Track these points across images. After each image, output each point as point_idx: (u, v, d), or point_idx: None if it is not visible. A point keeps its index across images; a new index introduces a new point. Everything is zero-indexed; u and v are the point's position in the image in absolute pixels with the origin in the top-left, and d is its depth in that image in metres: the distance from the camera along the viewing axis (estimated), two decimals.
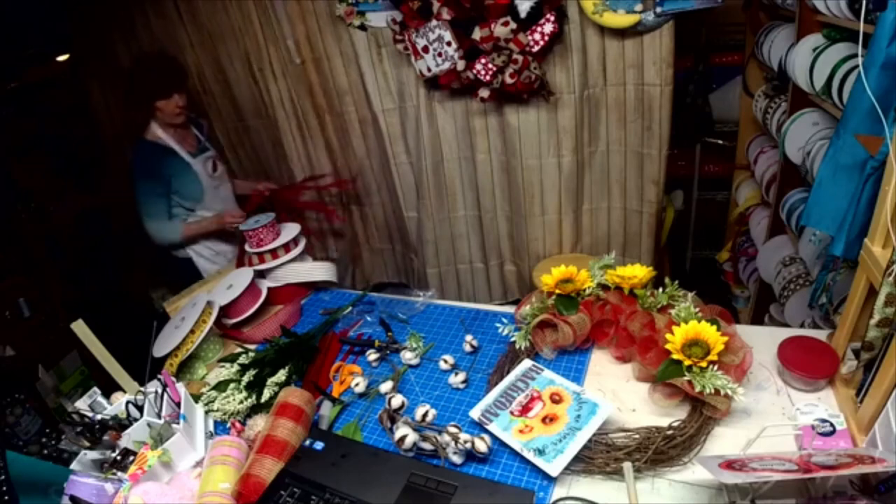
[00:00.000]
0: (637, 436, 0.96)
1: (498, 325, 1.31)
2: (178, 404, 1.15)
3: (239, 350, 1.40)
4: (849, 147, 1.07)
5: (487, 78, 1.84)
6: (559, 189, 2.09)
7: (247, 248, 1.67)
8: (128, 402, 1.16)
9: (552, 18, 1.72)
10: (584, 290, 1.27)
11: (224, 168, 2.07)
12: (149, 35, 2.20)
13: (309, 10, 1.98)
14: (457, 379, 1.19)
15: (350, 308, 1.58)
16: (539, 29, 1.74)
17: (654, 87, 1.82)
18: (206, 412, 1.23)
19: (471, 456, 1.00)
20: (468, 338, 1.31)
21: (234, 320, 1.56)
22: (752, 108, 2.24)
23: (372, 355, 1.33)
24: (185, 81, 1.87)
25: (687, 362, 0.99)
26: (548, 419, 1.01)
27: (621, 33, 1.76)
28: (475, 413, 1.06)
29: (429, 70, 1.89)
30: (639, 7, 1.67)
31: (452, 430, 0.99)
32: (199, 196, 1.93)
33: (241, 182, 2.21)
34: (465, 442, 0.97)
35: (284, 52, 2.08)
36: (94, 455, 1.05)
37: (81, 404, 1.19)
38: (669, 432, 0.95)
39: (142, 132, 1.84)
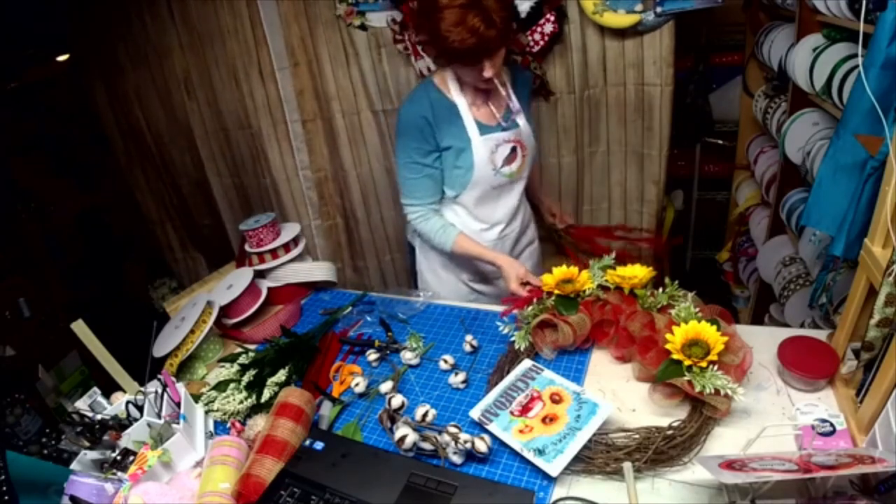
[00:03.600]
0: (637, 436, 0.96)
1: (498, 324, 1.31)
2: (178, 404, 1.15)
3: (239, 350, 1.40)
4: (849, 147, 1.07)
5: None
6: (559, 189, 2.09)
7: (247, 247, 1.67)
8: (128, 402, 1.16)
9: (552, 18, 1.72)
10: (585, 291, 1.27)
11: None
12: (144, 36, 2.19)
13: (301, 10, 1.97)
14: (457, 379, 1.19)
15: (350, 308, 1.58)
16: (539, 29, 1.74)
17: (655, 87, 1.82)
18: (206, 412, 1.23)
19: (471, 456, 1.00)
20: (468, 338, 1.31)
21: (234, 320, 1.56)
22: (752, 108, 2.24)
23: (372, 355, 1.33)
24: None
25: (687, 362, 0.99)
26: (548, 419, 1.01)
27: (621, 33, 1.76)
28: (475, 413, 1.06)
29: (429, 70, 1.88)
30: (639, 7, 1.67)
31: (452, 430, 0.99)
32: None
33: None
34: (465, 442, 0.97)
35: (277, 53, 2.05)
36: (94, 455, 1.05)
37: (81, 404, 1.19)
38: (669, 432, 0.95)
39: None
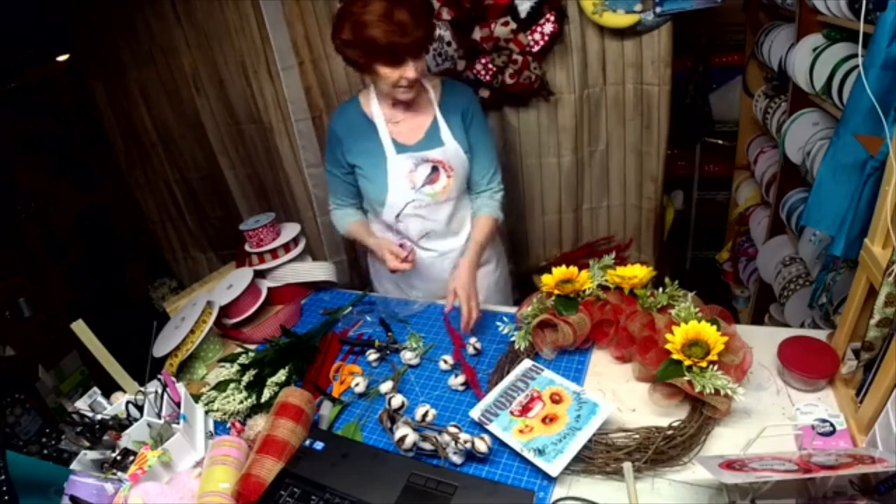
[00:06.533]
0: (637, 436, 0.96)
1: (499, 323, 1.31)
2: (178, 404, 1.15)
3: (239, 350, 1.40)
4: (849, 147, 1.07)
5: (487, 78, 1.84)
6: (559, 188, 2.10)
7: (247, 247, 1.67)
8: (128, 402, 1.16)
9: (552, 18, 1.73)
10: (584, 291, 1.27)
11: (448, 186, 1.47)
12: (149, 35, 2.20)
13: (305, 9, 1.98)
14: (456, 381, 1.19)
15: (350, 308, 1.58)
16: (539, 29, 1.74)
17: (653, 86, 1.82)
18: (206, 412, 1.23)
19: (471, 456, 1.00)
20: (472, 340, 1.30)
21: (234, 320, 1.56)
22: (752, 108, 2.24)
23: (372, 355, 1.33)
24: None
25: (687, 362, 0.99)
26: (548, 419, 1.01)
27: (620, 33, 1.77)
28: (475, 413, 1.06)
29: (429, 70, 1.89)
30: (638, 7, 1.68)
31: (452, 430, 0.99)
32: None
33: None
34: (465, 442, 0.97)
35: (281, 52, 2.06)
36: (94, 455, 1.05)
37: (81, 404, 1.19)
38: (669, 432, 0.95)
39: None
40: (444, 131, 1.42)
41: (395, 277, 1.59)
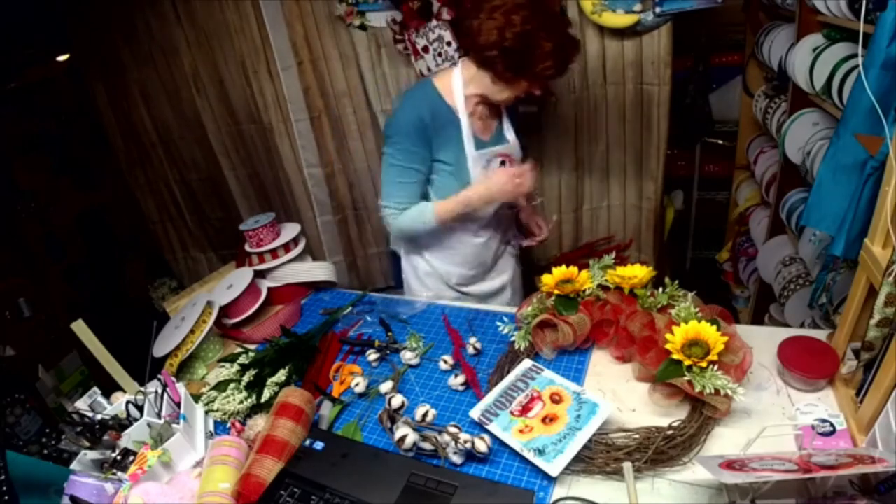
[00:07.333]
0: (637, 436, 0.96)
1: (499, 323, 1.31)
2: (178, 404, 1.15)
3: (239, 350, 1.40)
4: (849, 147, 1.07)
5: None
6: (559, 189, 2.09)
7: (247, 247, 1.67)
8: (128, 402, 1.16)
9: None
10: (584, 291, 1.27)
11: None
12: (149, 35, 2.20)
13: (304, 10, 1.98)
14: (456, 381, 1.19)
15: (350, 308, 1.58)
16: None
17: (653, 86, 1.82)
18: (206, 412, 1.23)
19: (471, 456, 1.00)
20: (472, 340, 1.30)
21: (234, 320, 1.56)
22: (752, 108, 2.24)
23: (372, 355, 1.33)
24: None
25: (687, 362, 0.99)
26: (548, 419, 1.01)
27: (620, 33, 1.77)
28: (475, 413, 1.06)
29: (429, 70, 1.89)
30: (638, 7, 1.68)
31: (452, 430, 0.99)
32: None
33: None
34: (465, 442, 0.97)
35: (281, 52, 2.06)
36: (94, 455, 1.05)
37: (81, 404, 1.19)
38: (669, 432, 0.95)
39: None
40: (508, 128, 1.47)
41: (443, 263, 1.57)
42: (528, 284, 2.17)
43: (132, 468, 0.99)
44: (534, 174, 1.40)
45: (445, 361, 1.25)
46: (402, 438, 0.99)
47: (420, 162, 1.39)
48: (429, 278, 1.62)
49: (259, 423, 1.09)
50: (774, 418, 0.98)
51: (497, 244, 1.62)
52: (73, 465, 1.02)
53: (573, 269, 1.28)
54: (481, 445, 0.96)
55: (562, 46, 1.26)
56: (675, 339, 1.01)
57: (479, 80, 1.34)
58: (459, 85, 1.37)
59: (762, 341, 1.11)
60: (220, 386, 1.27)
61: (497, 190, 1.38)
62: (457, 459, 0.99)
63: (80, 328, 1.17)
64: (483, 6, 1.24)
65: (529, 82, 1.31)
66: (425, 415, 1.04)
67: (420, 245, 1.57)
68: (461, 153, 1.40)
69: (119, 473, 1.01)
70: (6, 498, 0.93)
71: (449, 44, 1.82)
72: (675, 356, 1.00)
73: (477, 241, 1.55)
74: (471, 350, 1.29)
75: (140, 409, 1.13)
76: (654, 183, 2.00)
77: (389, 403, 1.08)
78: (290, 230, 1.71)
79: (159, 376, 1.21)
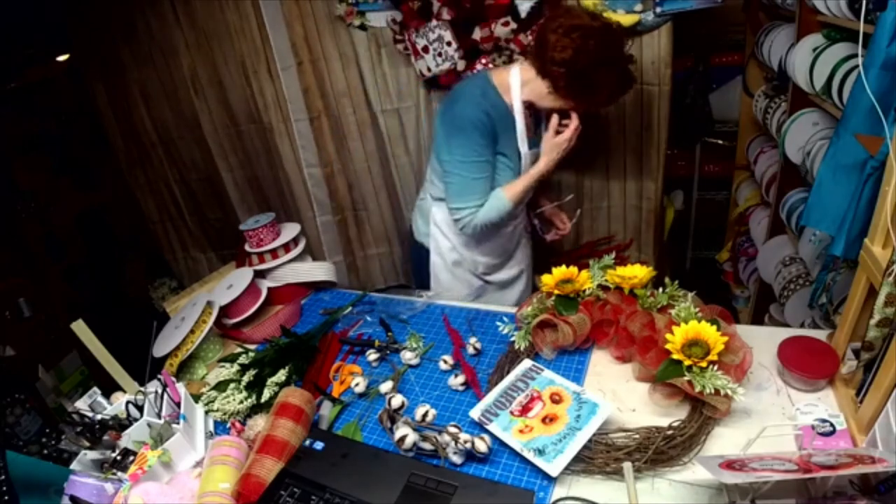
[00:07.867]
0: (637, 436, 0.96)
1: (499, 323, 1.31)
2: (178, 404, 1.15)
3: (239, 350, 1.40)
4: (849, 147, 1.07)
5: None
6: (559, 188, 2.09)
7: (247, 247, 1.67)
8: (128, 402, 1.16)
9: None
10: (584, 291, 1.27)
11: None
12: (148, 35, 2.20)
13: (304, 11, 1.98)
14: (456, 381, 1.19)
15: (350, 308, 1.58)
16: None
17: (653, 86, 1.82)
18: (206, 412, 1.23)
19: (471, 456, 1.00)
20: (472, 340, 1.30)
21: (234, 320, 1.56)
22: (752, 108, 2.23)
23: (372, 355, 1.33)
24: None
25: (687, 362, 0.99)
26: (548, 419, 1.01)
27: None
28: (475, 413, 1.06)
29: (429, 70, 1.88)
30: (638, 7, 1.67)
31: (452, 430, 0.99)
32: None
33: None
34: (465, 442, 0.97)
35: (281, 52, 2.06)
36: (94, 455, 1.05)
37: (81, 404, 1.19)
38: (669, 432, 0.95)
39: None
40: (542, 131, 1.52)
41: (472, 253, 1.63)
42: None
43: (132, 468, 0.99)
44: (578, 128, 1.44)
45: (445, 361, 1.25)
46: (402, 438, 0.99)
47: (491, 154, 1.43)
48: (457, 268, 1.66)
49: (259, 423, 1.09)
50: (774, 418, 0.98)
51: (519, 232, 1.71)
52: (73, 465, 1.02)
53: (573, 269, 1.28)
54: (481, 445, 0.96)
55: (623, 83, 1.36)
56: (675, 339, 1.01)
57: (535, 85, 1.40)
58: (518, 85, 1.41)
59: (762, 341, 1.11)
60: (220, 386, 1.27)
61: (557, 155, 1.45)
62: (457, 459, 0.99)
63: (80, 328, 1.17)
64: (562, 22, 1.29)
65: (578, 103, 1.38)
66: (425, 415, 1.04)
67: (454, 237, 1.62)
68: (516, 150, 1.46)
69: (119, 473, 1.01)
70: (6, 498, 0.93)
71: (449, 44, 1.81)
72: (675, 356, 1.00)
73: (506, 231, 1.62)
74: (471, 350, 1.29)
75: (140, 409, 1.13)
76: (654, 183, 2.00)
77: (389, 403, 1.08)
78: (289, 230, 1.71)
79: (159, 376, 1.21)
